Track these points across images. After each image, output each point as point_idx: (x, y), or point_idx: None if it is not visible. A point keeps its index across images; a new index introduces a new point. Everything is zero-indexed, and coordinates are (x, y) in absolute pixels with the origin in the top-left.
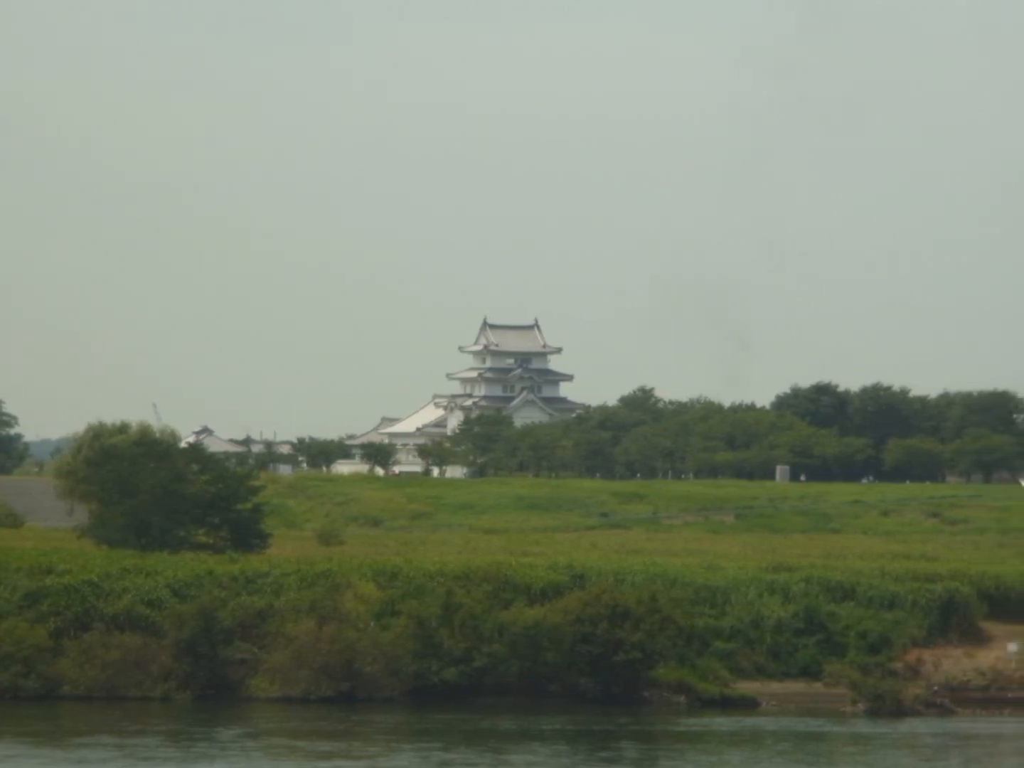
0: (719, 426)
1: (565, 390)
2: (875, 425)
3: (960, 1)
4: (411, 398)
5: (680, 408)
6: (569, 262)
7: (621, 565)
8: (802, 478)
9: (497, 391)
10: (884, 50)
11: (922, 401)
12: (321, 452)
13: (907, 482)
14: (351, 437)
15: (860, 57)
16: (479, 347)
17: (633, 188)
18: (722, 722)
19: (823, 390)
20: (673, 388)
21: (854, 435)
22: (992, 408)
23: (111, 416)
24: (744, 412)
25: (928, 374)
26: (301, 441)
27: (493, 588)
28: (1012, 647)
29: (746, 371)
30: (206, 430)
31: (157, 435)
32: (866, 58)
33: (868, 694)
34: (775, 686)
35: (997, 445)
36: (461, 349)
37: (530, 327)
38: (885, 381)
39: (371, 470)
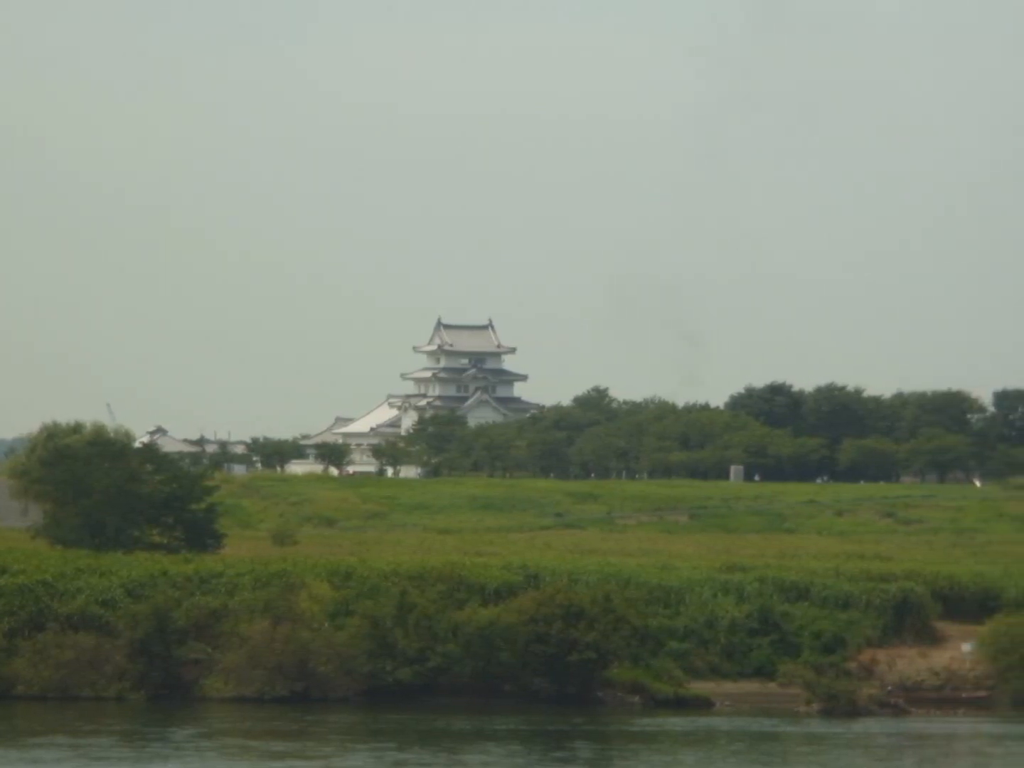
0: (673, 426)
1: (519, 390)
2: (829, 425)
3: None
4: (365, 398)
5: (634, 408)
6: (523, 262)
7: (575, 565)
8: (756, 478)
9: (451, 391)
10: (852, 49)
11: (876, 401)
12: (275, 452)
13: (861, 482)
14: (305, 437)
15: (819, 56)
16: (433, 347)
17: (588, 188)
18: (676, 722)
19: (777, 390)
20: (627, 388)
21: (808, 435)
22: (946, 408)
23: (65, 416)
24: (698, 412)
25: (882, 374)
26: (255, 441)
27: (447, 588)
28: (966, 647)
29: (700, 371)
30: (160, 430)
31: (111, 435)
32: (828, 57)
33: (822, 694)
34: (729, 686)
35: (951, 445)
36: (415, 349)
37: (484, 327)
38: (839, 381)
39: (325, 470)
